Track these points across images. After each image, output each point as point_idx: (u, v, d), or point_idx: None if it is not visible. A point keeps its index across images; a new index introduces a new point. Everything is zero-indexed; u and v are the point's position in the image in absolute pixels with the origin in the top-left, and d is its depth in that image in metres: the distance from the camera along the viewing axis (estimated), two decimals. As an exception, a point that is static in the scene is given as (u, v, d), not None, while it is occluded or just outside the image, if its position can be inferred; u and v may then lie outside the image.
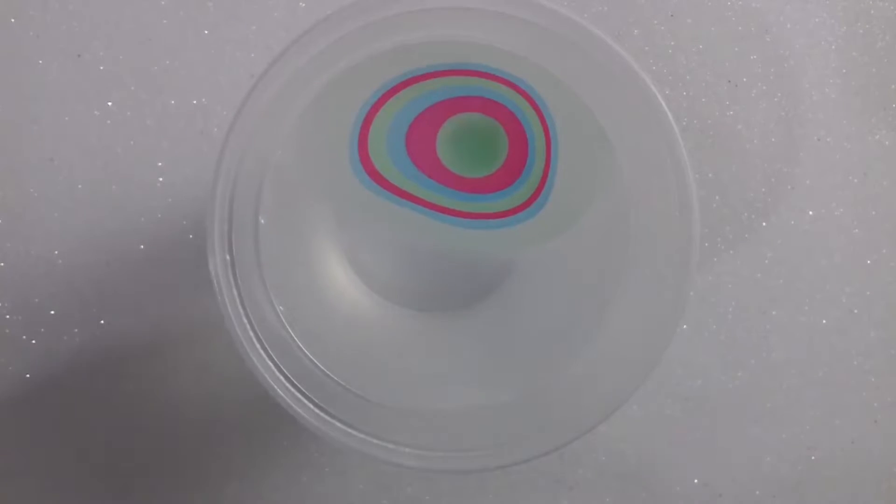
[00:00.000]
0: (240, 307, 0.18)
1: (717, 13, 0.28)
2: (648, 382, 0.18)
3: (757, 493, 0.27)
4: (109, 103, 0.26)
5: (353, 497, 0.26)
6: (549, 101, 0.21)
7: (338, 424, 0.18)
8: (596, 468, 0.27)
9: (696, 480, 0.27)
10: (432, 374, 0.22)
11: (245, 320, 0.18)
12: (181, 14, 0.26)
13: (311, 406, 0.18)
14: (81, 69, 0.26)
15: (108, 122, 0.26)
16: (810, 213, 0.28)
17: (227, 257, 0.18)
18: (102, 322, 0.26)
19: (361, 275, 0.24)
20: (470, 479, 0.27)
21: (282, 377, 0.18)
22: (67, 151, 0.26)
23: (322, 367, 0.18)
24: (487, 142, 0.22)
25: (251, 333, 0.18)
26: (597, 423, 0.18)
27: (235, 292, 0.18)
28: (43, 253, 0.25)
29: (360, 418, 0.18)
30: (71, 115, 0.26)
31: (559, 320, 0.22)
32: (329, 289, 0.24)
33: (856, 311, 0.28)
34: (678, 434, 0.27)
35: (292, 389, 0.18)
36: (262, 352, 0.18)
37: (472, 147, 0.22)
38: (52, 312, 0.25)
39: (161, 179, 0.26)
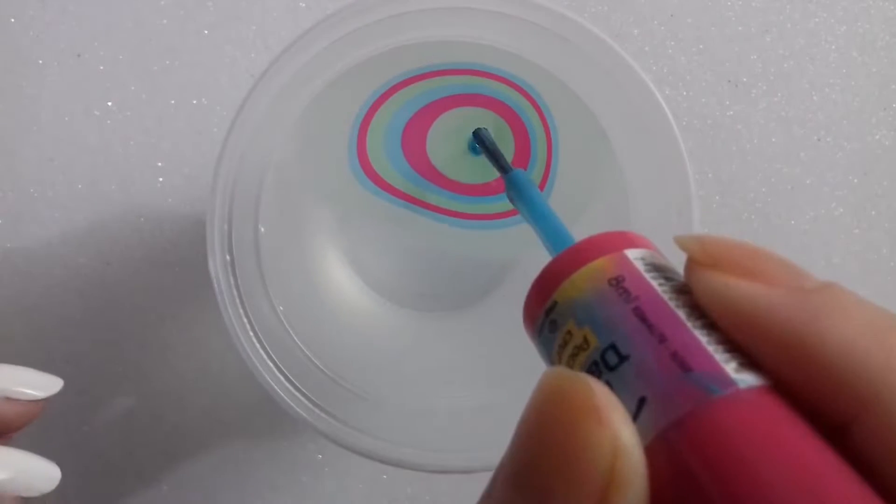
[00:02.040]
0: (240, 307, 0.18)
1: (717, 13, 0.28)
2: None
3: (757, 493, 0.27)
4: (109, 103, 0.26)
5: (353, 497, 0.26)
6: (549, 101, 0.21)
7: (337, 424, 0.18)
8: (596, 468, 0.27)
9: (696, 480, 0.27)
10: (432, 373, 0.22)
11: (245, 320, 0.18)
12: (181, 14, 0.26)
13: (311, 406, 0.18)
14: (81, 69, 0.26)
15: (108, 122, 0.26)
16: (810, 213, 0.28)
17: (227, 257, 0.17)
18: (102, 322, 0.26)
19: (361, 275, 0.24)
20: (470, 479, 0.26)
21: (282, 377, 0.18)
22: (67, 151, 0.26)
23: (322, 367, 0.18)
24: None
25: (251, 333, 0.18)
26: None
27: (235, 292, 0.18)
28: (43, 253, 0.25)
29: (359, 418, 0.18)
30: (71, 115, 0.26)
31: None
32: (329, 289, 0.24)
33: (856, 311, 0.28)
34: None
35: (292, 389, 0.18)
36: (262, 352, 0.18)
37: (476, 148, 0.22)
38: (53, 312, 0.25)
39: (161, 179, 0.26)
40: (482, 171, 0.22)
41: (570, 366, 0.11)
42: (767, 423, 0.09)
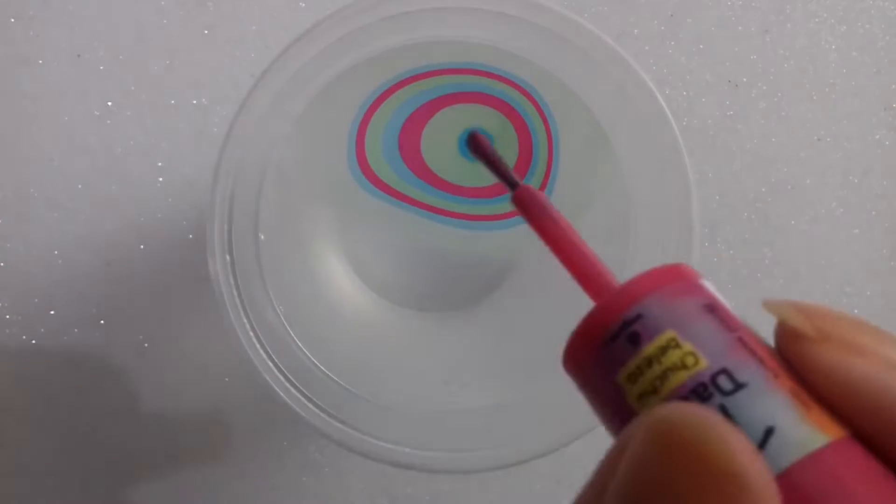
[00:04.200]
0: (240, 307, 0.18)
1: (717, 13, 0.28)
2: (648, 382, 0.18)
3: (757, 493, 0.27)
4: (109, 103, 0.26)
5: (353, 497, 0.26)
6: (549, 100, 0.21)
7: (337, 424, 0.18)
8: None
9: (696, 480, 0.27)
10: (432, 374, 0.22)
11: (245, 320, 0.18)
12: (181, 14, 0.26)
13: (311, 406, 0.18)
14: (81, 69, 0.26)
15: (108, 122, 0.26)
16: (810, 213, 0.28)
17: (227, 257, 0.18)
18: (102, 322, 0.26)
19: (361, 275, 0.24)
20: (470, 479, 0.27)
21: (282, 377, 0.18)
22: (67, 151, 0.26)
23: (322, 368, 0.18)
24: (496, 141, 0.22)
25: (251, 333, 0.18)
26: (597, 423, 0.18)
27: (235, 292, 0.18)
28: (43, 253, 0.25)
29: (360, 418, 0.18)
30: (71, 115, 0.26)
31: (558, 320, 0.22)
32: (329, 289, 0.24)
33: (856, 311, 0.28)
34: (678, 434, 0.27)
35: (292, 389, 0.18)
36: (262, 352, 0.18)
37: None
38: (52, 312, 0.25)
39: (161, 179, 0.26)
40: (480, 172, 0.22)
41: (658, 387, 0.10)
42: (872, 468, 0.09)
